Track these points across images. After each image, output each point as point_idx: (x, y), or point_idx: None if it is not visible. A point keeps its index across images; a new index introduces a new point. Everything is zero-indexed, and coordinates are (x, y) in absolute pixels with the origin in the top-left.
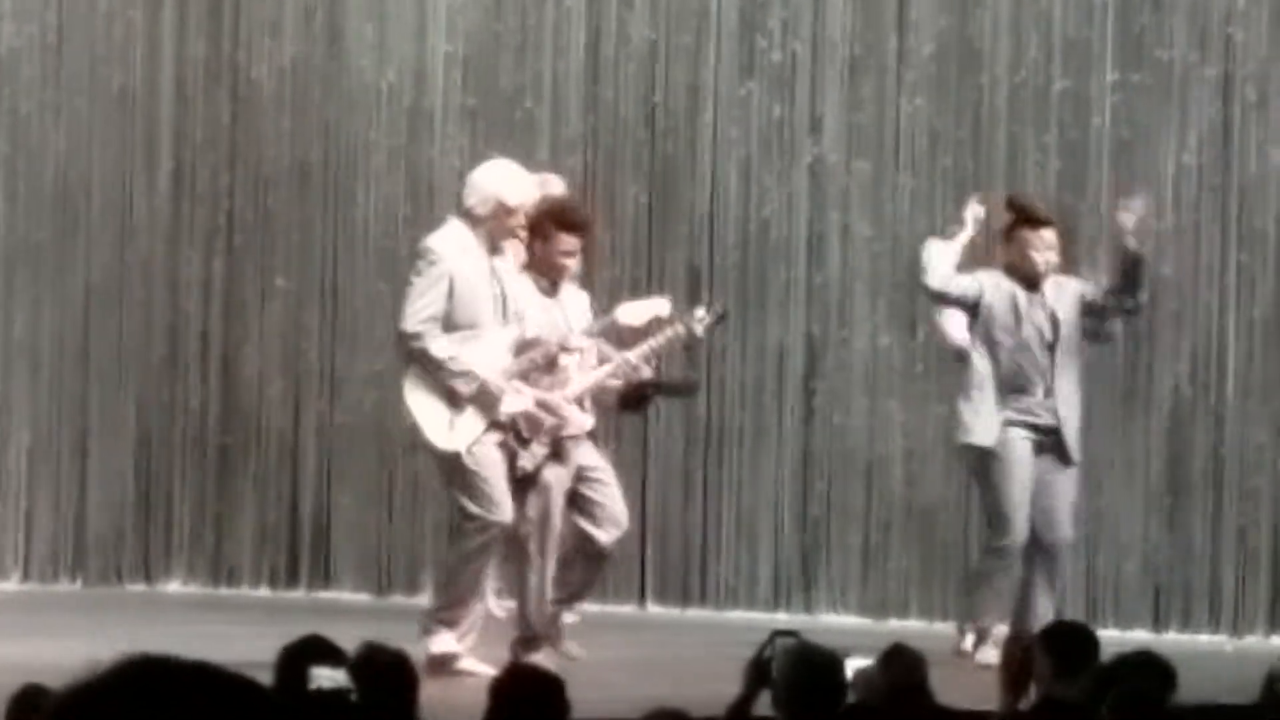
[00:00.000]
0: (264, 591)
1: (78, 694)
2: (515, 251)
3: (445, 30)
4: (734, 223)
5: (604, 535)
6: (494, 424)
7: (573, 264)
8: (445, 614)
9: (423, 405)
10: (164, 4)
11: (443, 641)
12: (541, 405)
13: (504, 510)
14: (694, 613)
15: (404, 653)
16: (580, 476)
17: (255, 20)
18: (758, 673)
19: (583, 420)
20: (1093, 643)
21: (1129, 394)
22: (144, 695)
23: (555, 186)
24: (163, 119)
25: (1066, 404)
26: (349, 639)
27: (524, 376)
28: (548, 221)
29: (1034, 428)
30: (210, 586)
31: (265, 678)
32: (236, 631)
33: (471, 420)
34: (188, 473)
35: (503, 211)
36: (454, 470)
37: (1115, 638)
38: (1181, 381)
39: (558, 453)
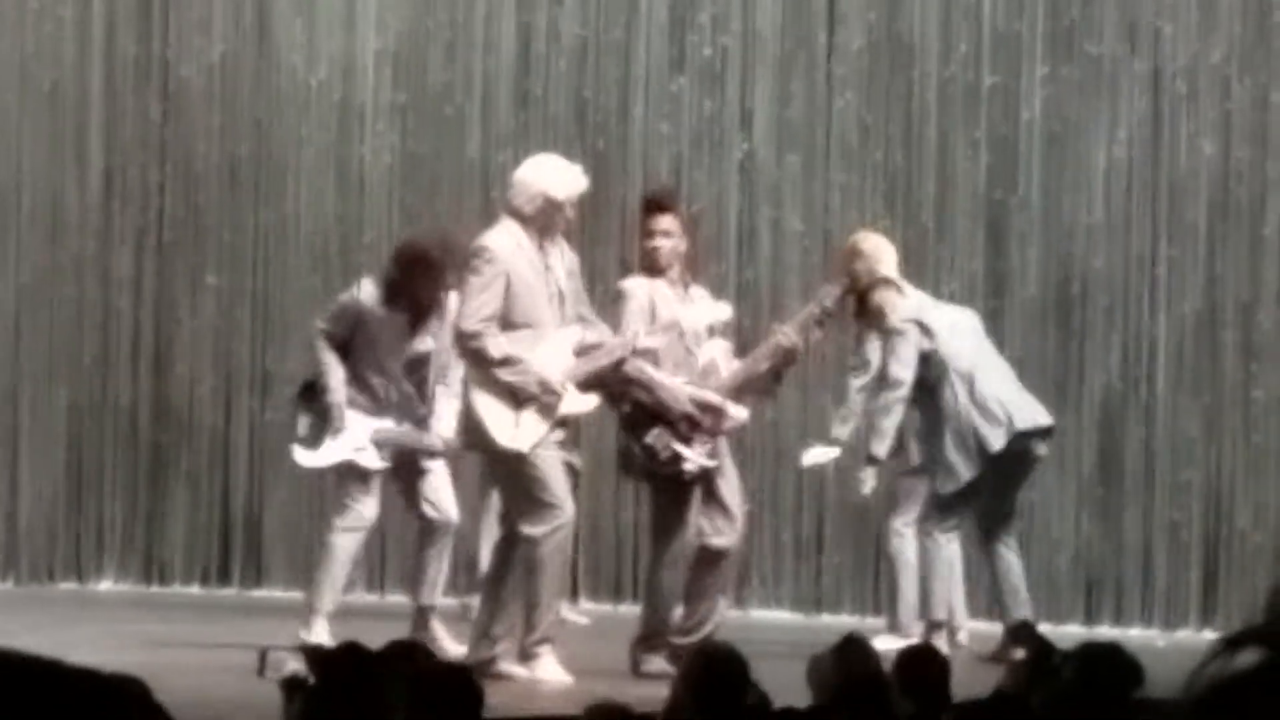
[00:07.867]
0: (196, 589)
1: None
2: (565, 249)
3: (375, 26)
4: None
5: (721, 539)
6: (558, 424)
7: (668, 244)
8: (543, 634)
9: (487, 405)
10: (93, 1)
11: (548, 668)
12: (700, 404)
13: (570, 508)
14: (626, 608)
15: (468, 669)
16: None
17: (185, 17)
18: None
19: (739, 412)
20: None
21: (1060, 388)
22: None
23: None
24: (93, 117)
25: None
26: (282, 637)
27: (590, 380)
28: (641, 212)
29: None
30: (142, 585)
31: (196, 677)
32: (168, 630)
33: (534, 420)
34: (119, 471)
35: (551, 207)
36: (517, 471)
37: (1047, 632)
38: (1113, 376)
39: (713, 453)
